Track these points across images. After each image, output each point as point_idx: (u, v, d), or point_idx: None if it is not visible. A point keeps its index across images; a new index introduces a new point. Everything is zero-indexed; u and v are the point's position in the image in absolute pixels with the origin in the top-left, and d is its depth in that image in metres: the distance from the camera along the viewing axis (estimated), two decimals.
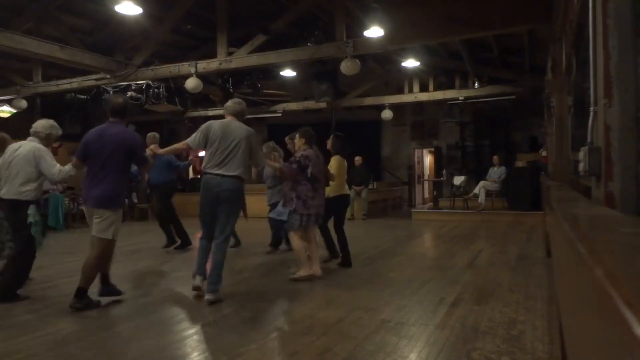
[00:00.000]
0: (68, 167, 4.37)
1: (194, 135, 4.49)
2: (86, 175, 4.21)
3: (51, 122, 4.69)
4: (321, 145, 5.61)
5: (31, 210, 4.48)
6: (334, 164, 5.99)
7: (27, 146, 4.47)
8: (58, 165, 4.42)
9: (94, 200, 4.11)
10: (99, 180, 4.10)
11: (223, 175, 4.32)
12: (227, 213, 4.35)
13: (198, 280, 4.39)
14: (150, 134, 6.93)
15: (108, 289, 4.39)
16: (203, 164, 4.51)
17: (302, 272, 5.05)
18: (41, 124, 4.60)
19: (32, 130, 4.56)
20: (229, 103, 4.72)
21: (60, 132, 4.76)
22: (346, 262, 5.82)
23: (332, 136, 6.23)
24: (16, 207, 4.40)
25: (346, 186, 6.22)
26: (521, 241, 7.79)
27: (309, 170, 5.11)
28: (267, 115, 13.99)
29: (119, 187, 4.22)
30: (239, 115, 4.62)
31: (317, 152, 5.32)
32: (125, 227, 10.52)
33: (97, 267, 4.19)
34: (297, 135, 5.41)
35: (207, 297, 4.21)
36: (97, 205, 4.10)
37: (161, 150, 5.00)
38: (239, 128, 4.48)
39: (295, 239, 5.14)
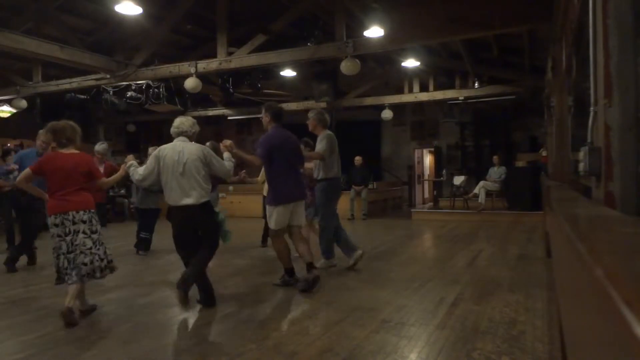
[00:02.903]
0: (231, 164, 4.40)
1: (324, 145, 5.46)
2: (280, 175, 4.66)
3: (191, 119, 4.38)
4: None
5: (217, 207, 4.59)
6: None
7: (192, 146, 4.15)
8: (226, 162, 4.35)
9: (303, 195, 4.88)
10: (298, 178, 4.89)
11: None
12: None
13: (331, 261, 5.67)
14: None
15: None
16: (327, 170, 5.50)
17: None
18: (187, 124, 4.25)
19: (176, 130, 4.21)
20: (322, 117, 5.71)
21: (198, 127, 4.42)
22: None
23: None
24: (209, 208, 4.19)
25: None
26: (521, 241, 7.79)
27: None
28: None
29: None
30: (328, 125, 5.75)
31: None
32: (125, 227, 10.54)
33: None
34: None
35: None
36: (304, 198, 4.94)
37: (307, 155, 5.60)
38: None
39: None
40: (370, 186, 12.53)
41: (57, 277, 3.97)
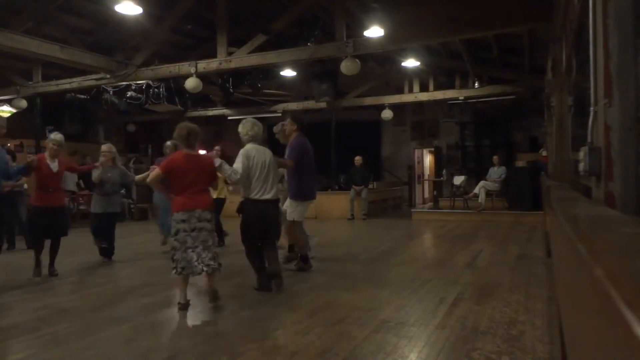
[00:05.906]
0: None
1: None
2: (304, 176, 5.52)
3: (259, 123, 4.91)
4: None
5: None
6: None
7: (267, 150, 4.84)
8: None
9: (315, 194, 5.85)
10: (314, 180, 5.81)
11: None
12: None
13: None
14: None
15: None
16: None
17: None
18: (260, 132, 4.84)
19: (251, 136, 4.74)
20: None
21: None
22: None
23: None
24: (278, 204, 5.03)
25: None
26: (521, 241, 7.79)
27: None
28: (267, 115, 13.99)
29: None
30: None
31: None
32: (125, 227, 10.53)
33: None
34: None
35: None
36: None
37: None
38: None
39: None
40: (370, 186, 12.53)
41: (177, 269, 4.07)
